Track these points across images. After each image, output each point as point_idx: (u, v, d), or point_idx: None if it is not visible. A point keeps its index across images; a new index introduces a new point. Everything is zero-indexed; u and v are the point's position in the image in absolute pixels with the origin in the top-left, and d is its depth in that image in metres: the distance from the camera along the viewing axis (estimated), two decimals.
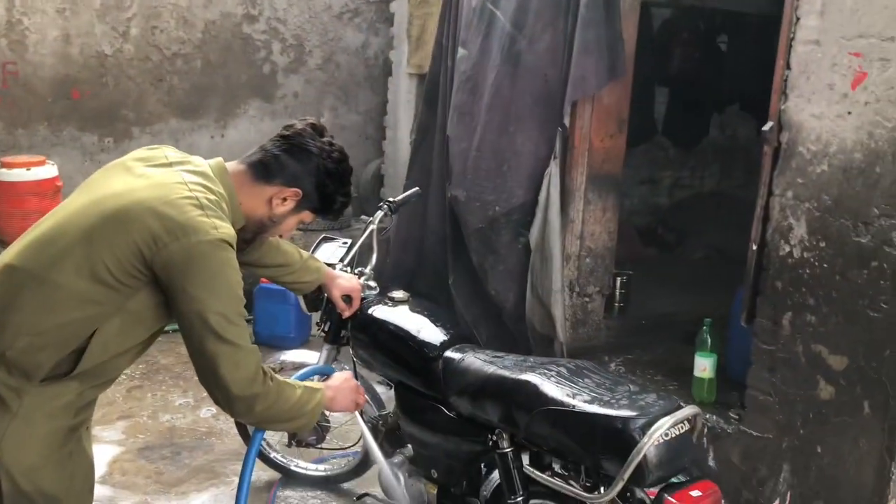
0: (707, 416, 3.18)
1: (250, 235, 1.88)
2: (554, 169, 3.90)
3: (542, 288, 3.93)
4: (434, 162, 4.43)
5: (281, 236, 1.96)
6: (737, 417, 3.11)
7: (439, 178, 4.35)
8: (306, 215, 1.91)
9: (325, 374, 2.19)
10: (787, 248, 2.82)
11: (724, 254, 5.72)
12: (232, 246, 1.66)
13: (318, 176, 1.83)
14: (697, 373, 3.34)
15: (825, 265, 2.69)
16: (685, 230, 6.54)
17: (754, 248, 2.98)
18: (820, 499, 2.74)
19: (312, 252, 2.69)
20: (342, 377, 2.07)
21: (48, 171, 4.38)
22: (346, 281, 2.47)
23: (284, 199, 1.82)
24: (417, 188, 2.91)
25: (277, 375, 1.78)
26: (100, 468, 3.13)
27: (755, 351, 2.96)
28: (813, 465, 2.75)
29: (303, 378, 2.05)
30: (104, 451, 3.30)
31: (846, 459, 2.64)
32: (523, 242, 3.94)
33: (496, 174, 3.96)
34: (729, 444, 3.07)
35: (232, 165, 1.85)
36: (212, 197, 1.69)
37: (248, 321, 4.73)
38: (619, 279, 4.44)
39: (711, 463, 3.12)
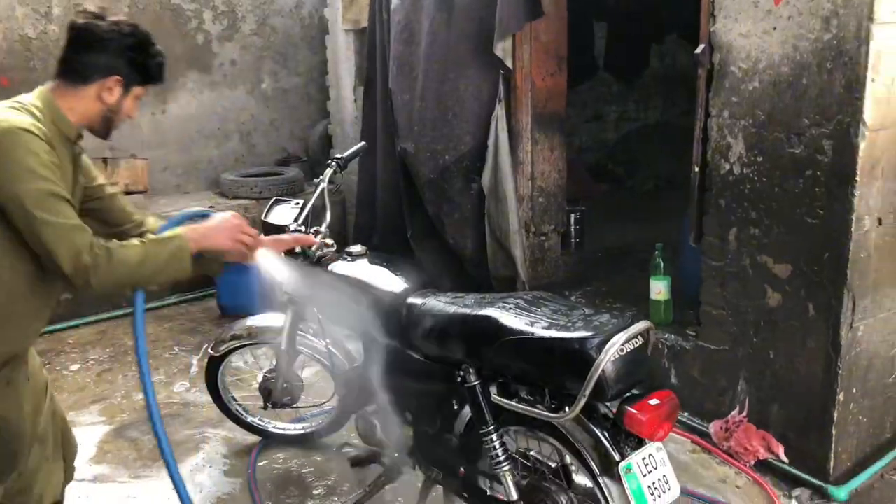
0: (666, 336, 3.32)
1: (103, 130, 1.97)
2: (500, 111, 3.94)
3: (500, 231, 3.99)
4: (380, 116, 4.43)
5: (130, 117, 2.02)
6: (694, 334, 3.24)
7: (387, 132, 4.36)
8: (138, 91, 1.98)
9: (203, 215, 2.09)
10: (727, 166, 2.91)
11: (672, 182, 5.86)
12: (33, 133, 1.74)
13: (124, 54, 1.91)
14: (653, 296, 3.47)
15: (764, 179, 2.80)
16: (634, 163, 6.66)
17: (696, 169, 3.07)
18: (776, 401, 2.89)
19: (265, 215, 2.71)
20: (220, 216, 2.04)
21: None
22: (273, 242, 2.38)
23: (110, 89, 1.90)
24: (364, 142, 2.93)
25: (116, 242, 1.82)
26: (82, 451, 3.15)
27: (705, 268, 3.08)
28: (767, 370, 2.90)
29: (174, 223, 2.05)
30: (82, 435, 3.30)
31: (796, 361, 2.79)
32: (476, 188, 3.99)
33: (442, 123, 3.98)
34: (688, 360, 3.21)
35: (48, 85, 1.91)
36: (17, 105, 1.81)
37: (211, 294, 4.77)
38: (572, 216, 4.54)
39: (673, 380, 3.26)
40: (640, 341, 1.87)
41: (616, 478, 1.84)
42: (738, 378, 3.01)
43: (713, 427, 3.05)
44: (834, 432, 2.71)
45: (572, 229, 4.58)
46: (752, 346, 2.94)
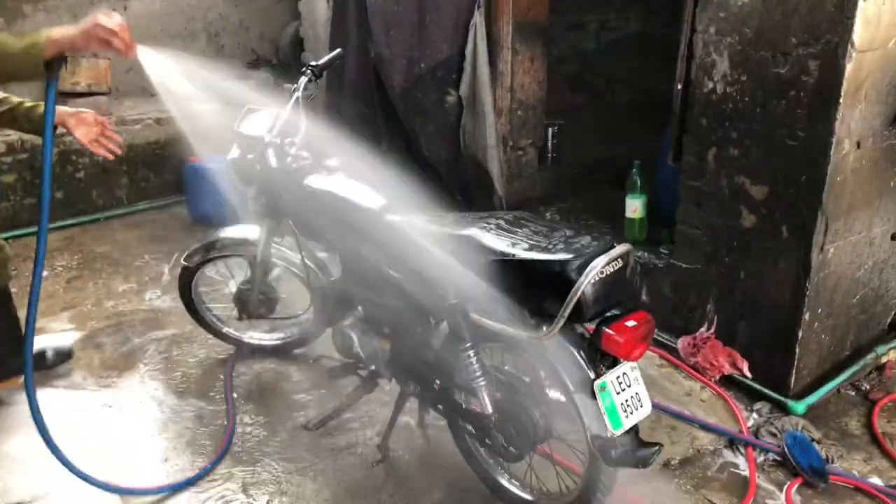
0: (639, 254, 3.35)
1: None
2: (479, 19, 3.81)
3: (476, 145, 3.94)
4: (352, 19, 4.25)
5: None
6: (667, 252, 3.28)
7: (360, 37, 4.20)
8: None
9: None
10: (711, 85, 2.87)
11: (651, 96, 5.78)
12: None
13: None
14: (629, 214, 3.48)
15: (747, 98, 2.76)
16: (613, 75, 6.54)
17: (679, 87, 3.02)
18: (744, 320, 2.96)
19: (238, 125, 2.62)
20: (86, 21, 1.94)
21: None
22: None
23: None
24: (339, 49, 2.81)
25: None
26: (49, 359, 3.14)
27: (683, 188, 3.08)
28: (737, 290, 2.95)
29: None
30: (46, 343, 3.28)
31: (766, 282, 2.84)
32: (451, 100, 3.90)
33: (419, 28, 3.84)
34: (660, 277, 3.25)
35: None
36: None
37: (180, 202, 4.68)
38: (550, 130, 4.48)
39: (644, 297, 3.32)
40: (619, 264, 1.88)
41: (590, 395, 1.89)
42: (709, 296, 3.07)
43: (681, 343, 3.13)
44: (797, 350, 2.80)
45: (549, 144, 4.53)
46: (723, 265, 2.98)
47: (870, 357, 3.00)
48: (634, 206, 3.46)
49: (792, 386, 2.85)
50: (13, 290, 3.73)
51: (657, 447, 1.94)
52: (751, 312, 2.93)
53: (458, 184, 4.04)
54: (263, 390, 2.95)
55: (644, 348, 1.89)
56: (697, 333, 3.09)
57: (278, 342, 3.14)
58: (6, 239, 4.24)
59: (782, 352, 2.84)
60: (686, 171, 3.06)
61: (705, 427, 2.76)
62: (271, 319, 3.05)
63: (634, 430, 1.95)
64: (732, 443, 2.70)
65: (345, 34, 4.34)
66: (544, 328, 1.90)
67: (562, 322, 1.82)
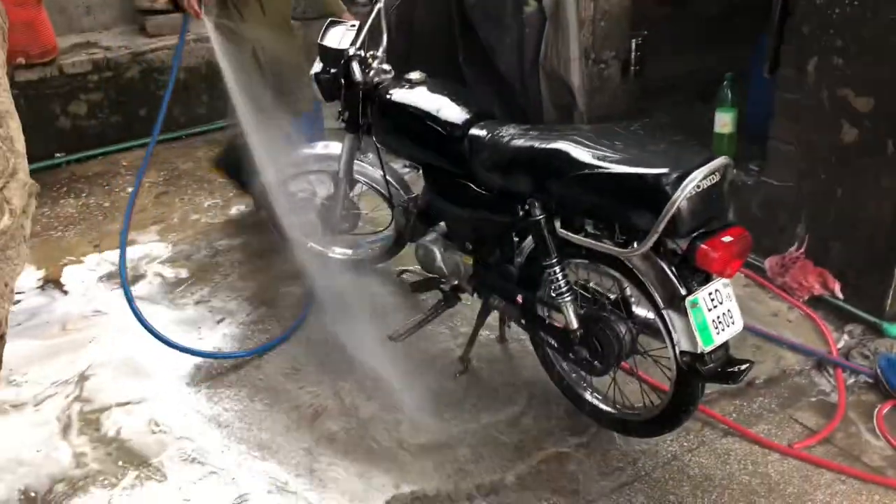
0: None
1: None
2: None
3: (558, 57, 3.81)
4: None
5: None
6: (757, 169, 3.15)
7: None
8: None
9: None
10: None
11: (741, 4, 5.43)
12: None
13: None
14: (718, 129, 3.35)
15: (856, 3, 2.57)
16: None
17: None
18: (837, 239, 2.85)
19: (321, 38, 2.60)
20: None
21: None
22: None
23: None
24: None
25: None
26: (143, 270, 3.30)
27: (778, 101, 2.93)
28: (832, 208, 2.83)
29: None
30: (143, 254, 3.44)
31: (865, 200, 2.71)
32: (529, 11, 3.75)
33: None
34: (749, 195, 3.14)
35: None
36: None
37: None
38: (633, 42, 4.28)
39: (731, 215, 3.21)
40: (716, 178, 1.82)
41: (682, 311, 1.87)
42: (800, 215, 2.95)
43: (769, 262, 3.04)
44: None
45: (633, 56, 4.34)
46: (819, 182, 2.85)
47: None
48: (724, 121, 3.31)
49: (888, 308, 2.75)
50: (106, 204, 3.92)
51: (748, 364, 1.92)
52: (846, 232, 2.81)
53: (533, 99, 3.93)
54: (348, 303, 3.03)
55: (739, 265, 1.85)
56: (787, 253, 2.99)
57: (360, 257, 3.20)
58: (96, 156, 4.43)
59: (879, 272, 2.73)
60: (783, 83, 2.89)
61: (792, 347, 2.71)
62: (353, 235, 3.09)
63: (725, 346, 1.93)
64: (821, 364, 2.65)
65: None
66: (634, 244, 1.86)
67: (655, 237, 1.79)
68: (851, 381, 2.57)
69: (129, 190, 4.08)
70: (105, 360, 2.74)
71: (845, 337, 2.76)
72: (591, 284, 2.25)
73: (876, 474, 2.22)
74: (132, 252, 3.43)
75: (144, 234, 3.64)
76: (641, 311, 2.13)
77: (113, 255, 3.42)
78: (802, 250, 2.96)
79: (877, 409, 2.44)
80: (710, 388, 2.51)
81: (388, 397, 2.53)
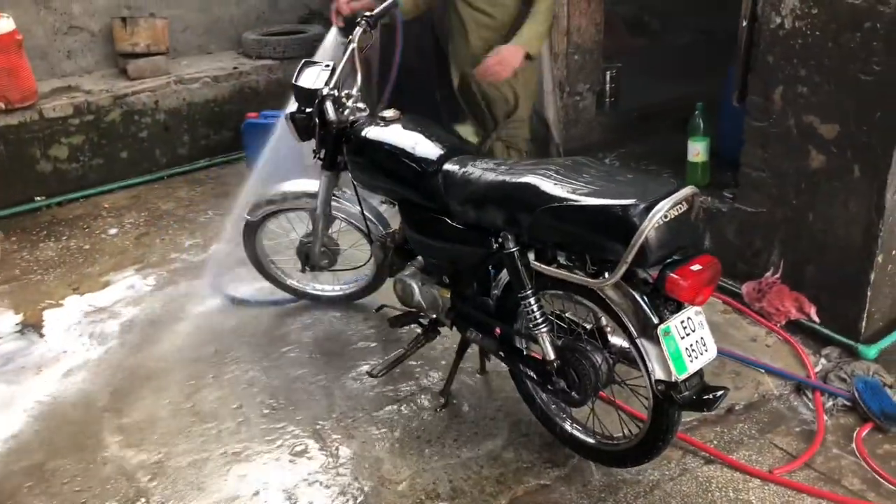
0: (702, 199, 3.27)
1: None
2: None
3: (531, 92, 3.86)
4: None
5: None
6: (731, 196, 3.20)
7: None
8: None
9: None
10: (779, 20, 2.75)
11: (711, 36, 5.57)
12: None
13: None
14: (691, 158, 3.40)
15: (817, 33, 2.64)
16: (672, 14, 6.30)
17: (744, 24, 2.90)
18: (810, 263, 2.89)
19: (295, 79, 2.64)
20: None
21: (5, 24, 4.17)
22: None
23: None
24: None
25: None
26: (124, 314, 3.29)
27: (748, 129, 2.98)
28: (804, 232, 2.87)
29: None
30: (119, 294, 3.44)
31: (835, 224, 2.75)
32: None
33: None
34: (724, 222, 3.18)
35: None
36: None
37: (239, 158, 4.76)
38: (608, 73, 4.36)
39: (707, 242, 3.25)
40: (684, 207, 1.85)
41: (654, 340, 1.88)
42: (774, 240, 2.99)
43: (745, 288, 3.07)
44: (869, 293, 2.72)
45: (608, 88, 4.42)
46: (790, 208, 2.90)
47: None
48: (697, 150, 3.37)
49: (863, 330, 2.78)
50: (86, 246, 3.92)
51: (723, 391, 1.93)
52: (819, 256, 2.85)
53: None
54: (328, 340, 3.03)
55: (709, 292, 1.87)
56: (763, 278, 3.03)
57: (341, 293, 3.20)
58: (77, 199, 4.43)
59: (852, 295, 2.76)
60: (751, 111, 2.95)
61: (771, 372, 2.73)
62: (333, 271, 3.11)
63: (699, 374, 1.94)
64: (799, 388, 2.66)
65: None
66: (606, 274, 1.89)
67: (625, 268, 1.81)
68: (830, 404, 2.58)
69: (112, 231, 4.08)
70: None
71: (822, 360, 2.78)
72: (568, 315, 2.26)
73: (856, 498, 2.22)
74: (109, 294, 3.43)
75: (123, 273, 3.62)
76: (618, 341, 2.14)
77: (92, 297, 3.41)
78: (778, 275, 2.99)
79: (856, 432, 2.45)
80: (691, 416, 2.53)
81: (368, 433, 2.52)
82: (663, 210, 1.77)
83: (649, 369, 1.93)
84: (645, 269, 1.90)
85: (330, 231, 2.99)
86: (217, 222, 4.14)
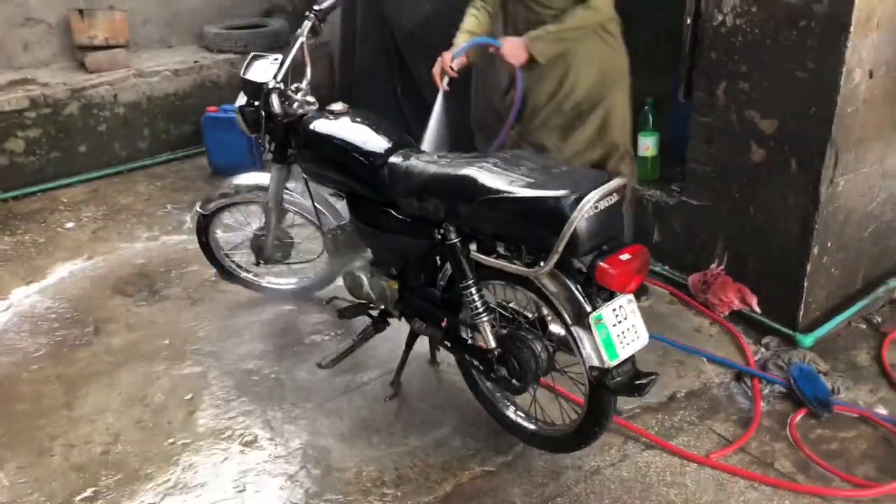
0: (651, 192, 3.35)
1: None
2: None
3: (486, 89, 3.91)
4: None
5: None
6: (678, 190, 3.27)
7: None
8: None
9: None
10: (721, 17, 2.82)
11: (669, 32, 5.63)
12: None
13: None
14: (641, 152, 3.46)
15: (756, 31, 2.72)
16: (630, 11, 6.36)
17: (688, 21, 2.98)
18: (753, 255, 2.97)
19: (244, 72, 2.65)
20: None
21: None
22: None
23: None
24: None
25: None
26: (83, 305, 3.28)
27: (693, 124, 3.06)
28: (746, 225, 2.95)
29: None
30: (78, 286, 3.43)
31: (775, 217, 2.84)
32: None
33: None
34: (671, 215, 3.26)
35: None
36: None
37: (200, 153, 4.75)
38: None
39: (656, 235, 3.33)
40: (614, 199, 1.90)
41: (587, 327, 1.94)
42: (719, 233, 3.07)
43: (691, 279, 3.15)
44: (805, 284, 2.81)
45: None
46: (733, 201, 2.98)
47: (881, 290, 2.99)
48: (646, 145, 3.43)
49: (800, 320, 2.87)
50: (41, 240, 3.90)
51: (653, 376, 2.00)
52: (760, 248, 2.93)
53: (465, 130, 4.03)
54: (281, 332, 3.06)
55: (639, 280, 1.93)
56: (708, 270, 3.11)
57: (295, 286, 3.23)
58: (35, 192, 4.40)
59: (791, 286, 2.85)
60: (696, 106, 3.03)
61: (712, 360, 2.80)
62: (287, 264, 3.13)
63: (631, 360, 2.01)
64: (739, 376, 2.75)
65: None
66: (541, 264, 1.94)
67: (556, 257, 1.86)
68: (767, 391, 2.66)
69: (69, 225, 4.07)
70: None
71: (762, 349, 2.86)
72: (511, 304, 2.31)
73: (787, 480, 2.30)
74: (60, 287, 3.43)
75: (80, 268, 3.61)
76: (557, 330, 2.20)
77: (43, 290, 3.41)
78: (722, 267, 3.07)
79: (790, 417, 2.53)
80: (633, 404, 2.60)
81: (317, 424, 2.55)
82: (592, 201, 1.82)
83: (583, 356, 1.99)
84: (578, 259, 1.96)
85: (284, 224, 3.01)
86: (176, 216, 4.14)
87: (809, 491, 2.26)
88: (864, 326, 3.02)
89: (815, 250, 2.76)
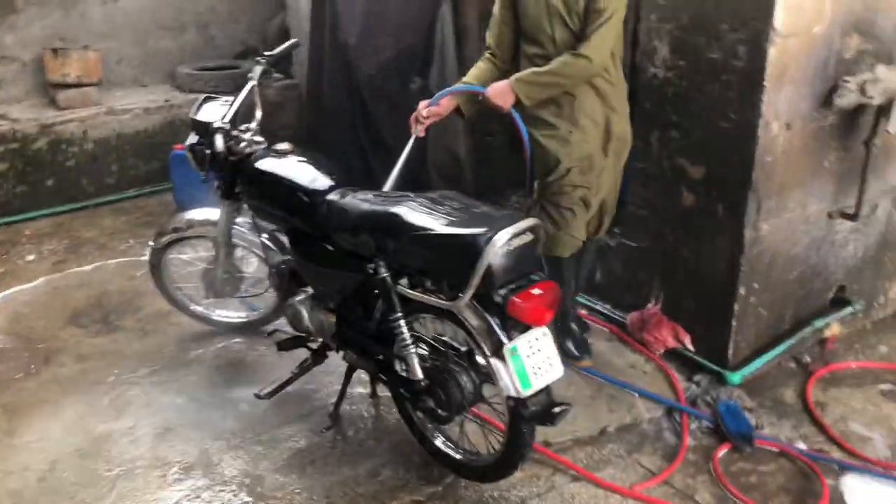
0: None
1: None
2: (446, 8, 3.93)
3: (446, 132, 4.06)
4: (328, 9, 4.39)
5: None
6: (619, 232, 3.40)
7: (333, 26, 4.34)
8: None
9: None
10: (653, 70, 2.99)
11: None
12: None
13: None
14: None
15: (685, 82, 2.88)
16: None
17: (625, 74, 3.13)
18: (686, 295, 3.09)
19: (194, 113, 2.77)
20: None
21: None
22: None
23: None
24: (296, 40, 2.96)
25: None
26: (35, 335, 3.34)
27: (630, 170, 3.19)
28: (679, 266, 3.08)
29: None
30: (32, 316, 3.48)
31: (705, 258, 2.96)
32: (414, 88, 4.02)
33: (384, 18, 3.97)
34: (613, 256, 3.38)
35: None
36: None
37: (168, 189, 4.85)
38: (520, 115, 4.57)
39: (598, 276, 3.45)
40: (529, 237, 2.02)
41: (503, 358, 2.03)
42: (655, 273, 3.20)
43: (630, 318, 3.26)
44: (734, 323, 2.92)
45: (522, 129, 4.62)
46: (667, 243, 3.11)
47: (807, 330, 3.11)
48: None
49: (730, 358, 2.98)
50: (1, 270, 3.95)
51: (566, 406, 2.09)
52: (693, 288, 3.06)
53: (422, 169, 4.16)
54: (228, 364, 3.12)
55: (551, 315, 2.03)
56: (645, 309, 3.22)
57: (245, 319, 3.30)
58: None
59: (721, 326, 2.96)
60: (633, 153, 3.17)
61: (642, 395, 2.90)
62: (237, 298, 3.21)
63: (546, 390, 2.10)
64: (670, 411, 2.84)
65: (321, 23, 4.48)
66: (460, 296, 2.04)
67: (471, 291, 1.96)
68: (694, 426, 2.76)
69: (29, 258, 4.13)
70: None
71: (693, 386, 2.96)
72: (445, 338, 2.40)
73: None
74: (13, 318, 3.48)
75: (37, 301, 3.67)
76: (482, 360, 2.28)
77: None
78: (658, 306, 3.19)
79: (714, 452, 2.62)
80: (564, 437, 2.68)
81: (253, 454, 2.61)
82: (504, 238, 1.93)
83: (501, 386, 2.08)
84: (495, 293, 2.06)
85: (234, 258, 3.10)
86: (137, 249, 4.21)
87: None
88: (793, 365, 3.13)
89: (742, 291, 2.88)
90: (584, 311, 3.37)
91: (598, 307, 3.42)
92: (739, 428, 2.67)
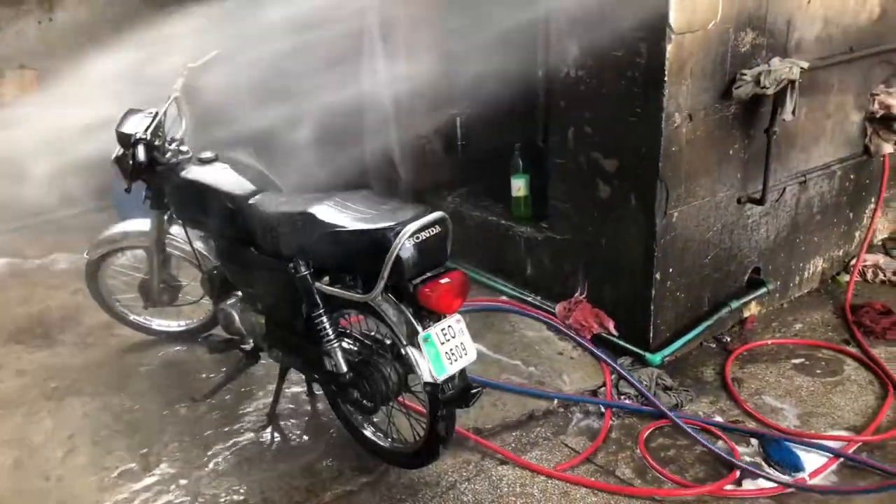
0: (523, 230, 3.62)
1: None
2: (374, 19, 4.03)
3: (380, 136, 4.16)
4: None
5: None
6: (546, 226, 3.53)
7: None
8: None
9: None
10: (565, 70, 3.13)
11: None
12: None
13: None
14: (514, 193, 3.74)
15: (594, 80, 3.02)
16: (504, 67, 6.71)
17: (540, 73, 3.28)
18: (607, 282, 3.23)
19: (118, 125, 2.83)
20: None
21: None
22: None
23: None
24: (218, 50, 3.02)
25: None
26: None
27: (551, 166, 3.34)
28: (600, 256, 3.22)
29: None
30: None
31: (622, 246, 3.11)
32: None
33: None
34: (540, 250, 3.51)
35: None
36: None
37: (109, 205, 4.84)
38: (458, 118, 4.68)
39: (529, 269, 3.58)
40: (437, 230, 2.12)
41: (418, 346, 2.13)
42: (579, 263, 3.33)
43: (558, 308, 3.39)
44: (652, 307, 3.07)
45: (458, 132, 4.75)
46: (588, 234, 3.24)
47: (724, 311, 3.27)
48: (518, 186, 3.71)
49: (651, 340, 3.12)
50: None
51: (479, 389, 2.20)
52: (613, 275, 3.20)
53: (362, 174, 4.26)
54: (167, 371, 3.18)
55: (460, 302, 2.14)
56: (572, 298, 3.35)
57: (184, 328, 3.36)
58: None
59: (640, 310, 3.11)
60: (552, 149, 3.32)
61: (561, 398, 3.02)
62: (175, 306, 3.26)
63: (461, 374, 2.21)
64: (594, 394, 2.97)
65: None
66: (374, 290, 2.14)
67: (382, 283, 2.07)
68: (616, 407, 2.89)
69: None
70: None
71: (618, 368, 3.09)
72: (373, 333, 2.50)
73: (624, 485, 2.51)
74: None
75: None
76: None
77: None
78: (584, 295, 3.32)
79: (638, 432, 2.75)
80: (494, 423, 2.79)
81: (191, 454, 2.67)
82: (410, 231, 2.04)
83: (419, 373, 2.18)
84: (407, 283, 2.16)
85: (169, 267, 3.16)
86: (80, 264, 4.22)
87: (642, 493, 2.47)
88: (714, 345, 3.30)
89: (658, 276, 3.03)
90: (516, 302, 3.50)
91: (529, 299, 3.55)
92: (782, 457, 2.59)
